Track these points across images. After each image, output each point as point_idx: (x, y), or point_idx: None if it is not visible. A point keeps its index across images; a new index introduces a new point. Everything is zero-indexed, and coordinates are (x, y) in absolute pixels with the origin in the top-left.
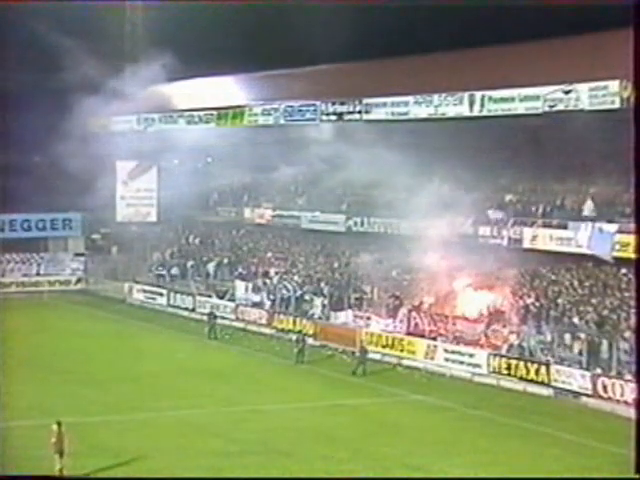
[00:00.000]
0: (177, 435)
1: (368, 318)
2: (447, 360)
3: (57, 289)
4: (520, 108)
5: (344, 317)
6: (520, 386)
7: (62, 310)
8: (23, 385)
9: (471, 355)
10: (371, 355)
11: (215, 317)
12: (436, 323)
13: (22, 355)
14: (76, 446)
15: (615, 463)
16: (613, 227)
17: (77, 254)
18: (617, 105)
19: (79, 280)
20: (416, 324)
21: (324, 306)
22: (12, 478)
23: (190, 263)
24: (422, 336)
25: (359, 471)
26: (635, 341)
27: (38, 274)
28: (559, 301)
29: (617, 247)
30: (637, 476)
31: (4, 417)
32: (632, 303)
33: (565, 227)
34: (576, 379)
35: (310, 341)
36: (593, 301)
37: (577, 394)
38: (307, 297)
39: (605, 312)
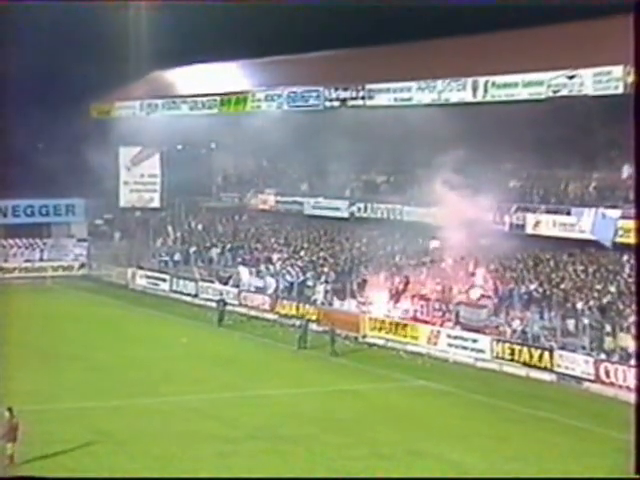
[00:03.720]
0: (181, 420)
1: (371, 304)
2: (450, 345)
3: (60, 274)
4: (523, 94)
5: (347, 304)
6: (523, 371)
7: (65, 295)
8: (26, 370)
9: (474, 340)
10: (374, 340)
11: (225, 304)
12: (439, 309)
13: (25, 340)
14: (79, 432)
15: (617, 449)
16: (616, 213)
17: (80, 240)
18: (621, 90)
19: (82, 265)
20: (419, 310)
21: (327, 292)
22: (12, 478)
23: (193, 249)
24: (425, 322)
25: (362, 456)
26: (635, 327)
27: (41, 259)
28: (562, 287)
29: (620, 233)
30: (637, 476)
31: (9, 402)
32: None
33: (568, 213)
34: (579, 364)
35: (313, 326)
36: (597, 287)
37: (580, 379)
38: (310, 283)
39: (608, 298)
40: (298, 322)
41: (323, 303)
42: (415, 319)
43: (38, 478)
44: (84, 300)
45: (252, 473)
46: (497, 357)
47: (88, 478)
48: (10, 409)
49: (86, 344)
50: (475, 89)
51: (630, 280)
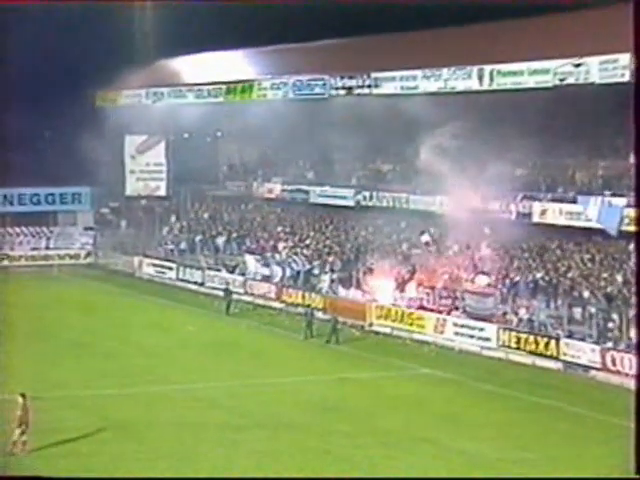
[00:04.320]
0: (188, 408)
1: (377, 292)
2: (457, 334)
3: (67, 263)
4: (530, 82)
5: (353, 292)
6: (529, 360)
7: (71, 284)
8: (33, 358)
9: (481, 329)
10: (381, 329)
11: (231, 293)
12: (445, 297)
13: (31, 328)
14: (87, 419)
15: (623, 436)
16: (622, 201)
17: (86, 228)
18: (627, 78)
19: (88, 254)
20: (425, 298)
21: (332, 280)
22: (12, 478)
23: (199, 237)
24: (431, 310)
25: (368, 444)
26: (636, 316)
27: (48, 248)
28: (569, 275)
29: (626, 221)
30: (637, 476)
31: (16, 389)
32: None
33: (575, 201)
34: (585, 353)
35: (319, 315)
36: (604, 275)
37: (586, 368)
38: (316, 271)
39: (615, 286)
40: (304, 311)
41: (328, 292)
42: (421, 307)
43: (42, 478)
44: (91, 289)
45: (259, 461)
46: (503, 345)
47: (91, 478)
48: (24, 395)
49: (93, 332)
50: (481, 77)
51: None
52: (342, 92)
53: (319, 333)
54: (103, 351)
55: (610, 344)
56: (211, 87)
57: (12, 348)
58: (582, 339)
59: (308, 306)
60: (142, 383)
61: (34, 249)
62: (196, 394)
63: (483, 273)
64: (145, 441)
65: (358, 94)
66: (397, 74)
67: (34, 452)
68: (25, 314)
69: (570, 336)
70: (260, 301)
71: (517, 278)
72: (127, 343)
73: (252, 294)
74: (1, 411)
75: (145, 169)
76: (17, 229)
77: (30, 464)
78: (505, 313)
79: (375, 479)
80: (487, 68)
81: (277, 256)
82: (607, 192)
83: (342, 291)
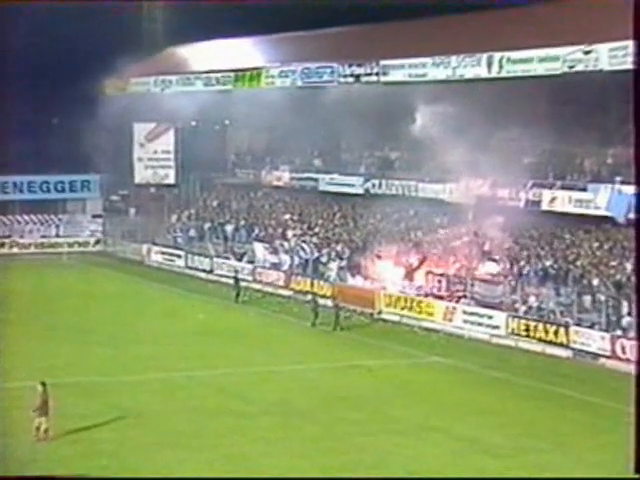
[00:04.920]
0: (196, 395)
1: (385, 280)
2: (466, 322)
3: (76, 250)
4: (539, 69)
5: (361, 280)
6: (539, 347)
7: (80, 271)
8: (41, 344)
9: (490, 317)
10: (389, 317)
11: (238, 280)
12: (455, 285)
13: (41, 315)
14: (98, 406)
15: (631, 424)
16: (631, 189)
17: (95, 216)
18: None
19: (97, 241)
20: (434, 286)
21: (341, 268)
22: (12, 478)
23: (208, 225)
24: (441, 298)
25: (375, 432)
26: (635, 299)
27: (57, 235)
28: (578, 263)
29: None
30: (637, 476)
31: (23, 376)
32: None
33: (584, 189)
34: (595, 340)
35: (328, 303)
36: (613, 263)
37: (596, 355)
38: (324, 259)
39: (624, 274)
40: (310, 298)
41: (336, 280)
42: (431, 295)
43: (42, 478)
44: (100, 276)
45: (267, 448)
46: (512, 333)
47: (92, 478)
48: (43, 383)
49: (102, 319)
50: (490, 65)
51: None
52: (350, 80)
53: (327, 321)
54: (111, 338)
55: (619, 332)
56: (219, 75)
57: (19, 335)
58: (591, 327)
59: (314, 294)
60: (150, 370)
61: (43, 237)
62: (205, 381)
63: (492, 261)
64: (152, 428)
65: (366, 82)
66: (406, 62)
67: (37, 439)
68: (33, 301)
69: (579, 324)
70: (269, 289)
71: (526, 266)
72: (135, 330)
73: (261, 282)
74: (9, 399)
75: (154, 157)
76: (26, 217)
77: (36, 449)
78: (514, 301)
79: (379, 479)
80: (496, 55)
81: (286, 244)
82: (617, 180)
83: (350, 279)
